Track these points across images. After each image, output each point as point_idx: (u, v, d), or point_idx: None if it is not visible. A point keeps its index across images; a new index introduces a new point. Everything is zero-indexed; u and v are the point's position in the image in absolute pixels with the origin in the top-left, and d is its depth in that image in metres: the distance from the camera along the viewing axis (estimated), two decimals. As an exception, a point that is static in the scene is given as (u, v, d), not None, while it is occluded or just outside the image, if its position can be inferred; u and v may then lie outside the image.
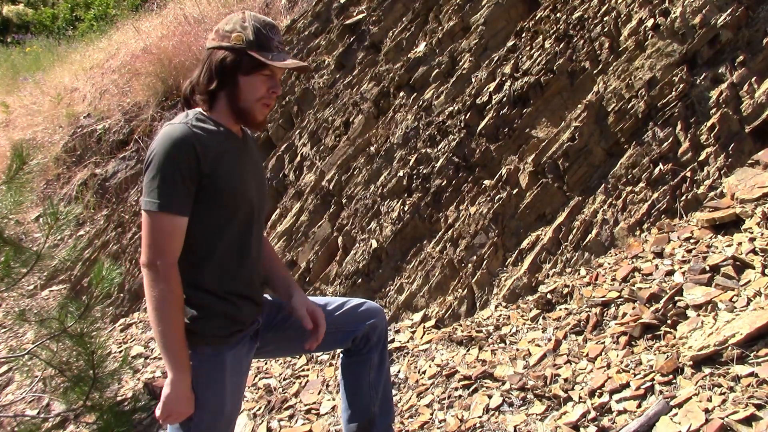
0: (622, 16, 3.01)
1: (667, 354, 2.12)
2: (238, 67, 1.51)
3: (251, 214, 1.59)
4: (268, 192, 1.83)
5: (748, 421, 1.74)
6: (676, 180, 2.71)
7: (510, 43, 3.36)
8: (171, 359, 1.45)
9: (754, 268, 2.24)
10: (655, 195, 2.74)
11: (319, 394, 2.83)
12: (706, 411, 1.83)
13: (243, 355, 1.64)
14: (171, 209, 1.43)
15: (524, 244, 3.01)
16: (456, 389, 2.48)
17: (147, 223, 1.45)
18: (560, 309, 2.68)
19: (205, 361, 1.55)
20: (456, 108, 3.38)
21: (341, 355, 1.94)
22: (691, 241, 2.53)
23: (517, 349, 2.57)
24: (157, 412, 1.48)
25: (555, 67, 3.11)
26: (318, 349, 1.80)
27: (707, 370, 1.97)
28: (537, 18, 3.29)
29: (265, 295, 1.84)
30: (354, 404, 1.90)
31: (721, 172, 2.64)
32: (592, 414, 2.06)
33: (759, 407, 1.76)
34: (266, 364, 3.25)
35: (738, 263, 2.28)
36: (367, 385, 1.88)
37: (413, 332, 3.05)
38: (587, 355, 2.33)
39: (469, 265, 3.08)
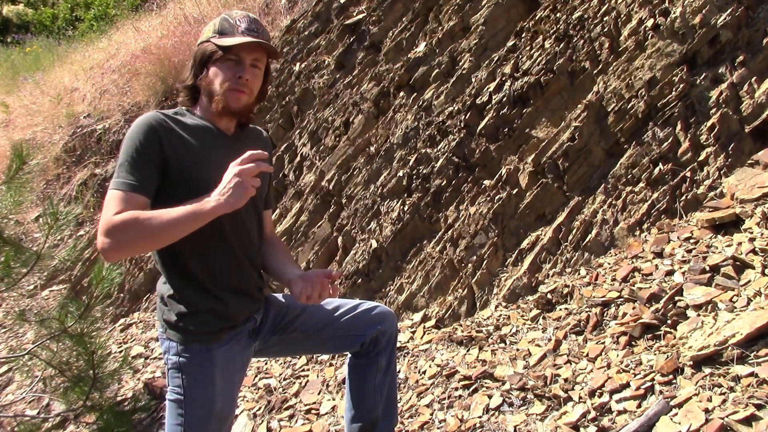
0: (622, 16, 3.01)
1: (667, 354, 2.12)
2: (204, 58, 1.55)
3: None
4: (264, 191, 1.80)
5: (748, 421, 1.74)
6: (676, 180, 2.71)
7: (510, 43, 3.36)
8: (200, 217, 1.37)
9: (754, 268, 2.24)
10: (655, 195, 2.74)
11: (319, 394, 2.82)
12: (706, 411, 1.82)
13: (236, 353, 1.63)
14: (132, 189, 1.42)
15: (524, 244, 3.01)
16: (456, 389, 2.48)
17: (107, 200, 1.42)
18: (560, 309, 2.68)
19: (194, 357, 1.55)
20: (456, 108, 3.38)
21: (349, 356, 1.94)
22: (691, 241, 2.53)
23: (517, 349, 2.57)
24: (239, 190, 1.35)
25: (555, 67, 3.11)
26: (327, 351, 1.79)
27: (707, 370, 1.97)
28: (537, 18, 3.29)
29: (276, 295, 1.84)
30: (358, 405, 1.90)
31: (721, 172, 2.64)
32: (592, 414, 2.05)
33: (759, 407, 1.76)
34: (266, 364, 3.25)
35: (738, 263, 2.28)
36: (373, 388, 1.88)
37: (413, 332, 3.05)
38: (587, 355, 2.33)
39: (469, 265, 3.08)
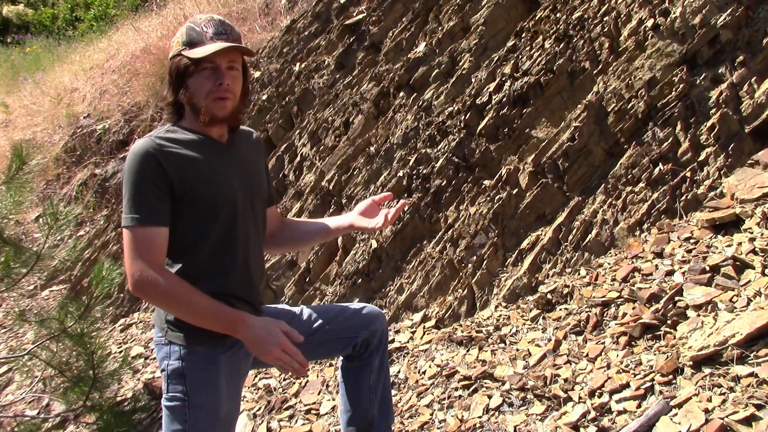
0: (622, 16, 3.01)
1: (667, 354, 2.12)
2: (179, 73, 1.52)
3: (235, 215, 1.58)
4: (264, 191, 1.80)
5: (748, 421, 1.74)
6: (676, 180, 2.71)
7: (510, 43, 3.36)
8: (222, 323, 1.47)
9: (754, 268, 2.24)
10: (655, 195, 2.74)
11: (319, 394, 2.83)
12: (706, 411, 1.83)
13: (240, 358, 1.63)
14: (146, 221, 1.44)
15: (524, 244, 3.01)
16: (456, 389, 2.48)
17: (126, 240, 1.45)
18: (560, 309, 2.68)
19: (199, 361, 1.55)
20: (456, 108, 3.38)
21: (341, 359, 1.94)
22: (691, 241, 2.53)
23: (517, 349, 2.57)
24: (271, 362, 1.46)
25: (555, 67, 3.11)
26: (321, 356, 1.79)
27: (707, 370, 1.97)
28: (537, 18, 3.29)
29: (274, 305, 1.86)
30: (354, 407, 1.90)
31: (721, 172, 2.64)
32: (592, 414, 2.05)
33: (759, 407, 1.76)
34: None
35: (738, 263, 2.28)
36: (367, 389, 1.88)
37: (413, 332, 3.05)
38: (587, 355, 2.33)
39: (469, 265, 3.08)
